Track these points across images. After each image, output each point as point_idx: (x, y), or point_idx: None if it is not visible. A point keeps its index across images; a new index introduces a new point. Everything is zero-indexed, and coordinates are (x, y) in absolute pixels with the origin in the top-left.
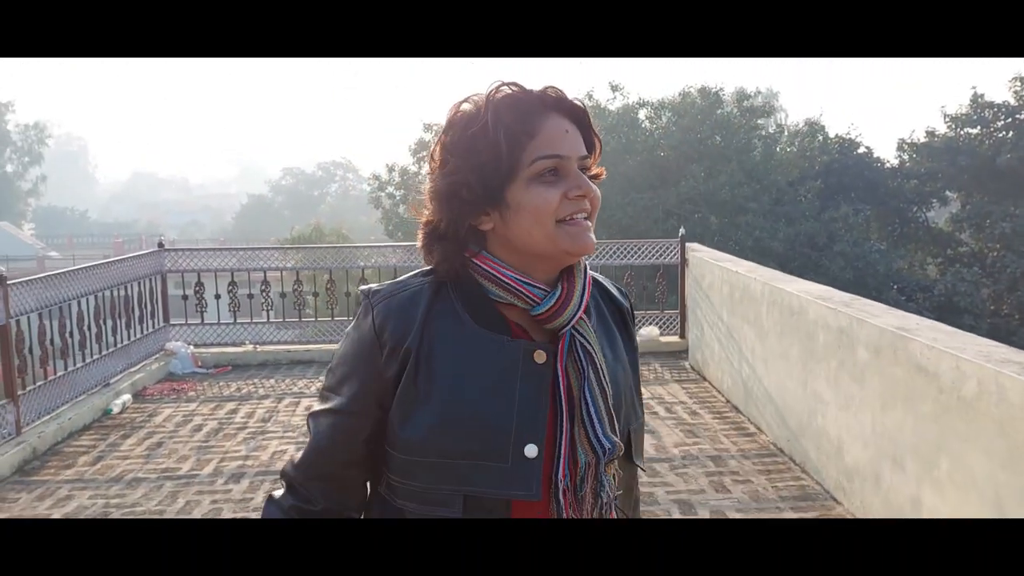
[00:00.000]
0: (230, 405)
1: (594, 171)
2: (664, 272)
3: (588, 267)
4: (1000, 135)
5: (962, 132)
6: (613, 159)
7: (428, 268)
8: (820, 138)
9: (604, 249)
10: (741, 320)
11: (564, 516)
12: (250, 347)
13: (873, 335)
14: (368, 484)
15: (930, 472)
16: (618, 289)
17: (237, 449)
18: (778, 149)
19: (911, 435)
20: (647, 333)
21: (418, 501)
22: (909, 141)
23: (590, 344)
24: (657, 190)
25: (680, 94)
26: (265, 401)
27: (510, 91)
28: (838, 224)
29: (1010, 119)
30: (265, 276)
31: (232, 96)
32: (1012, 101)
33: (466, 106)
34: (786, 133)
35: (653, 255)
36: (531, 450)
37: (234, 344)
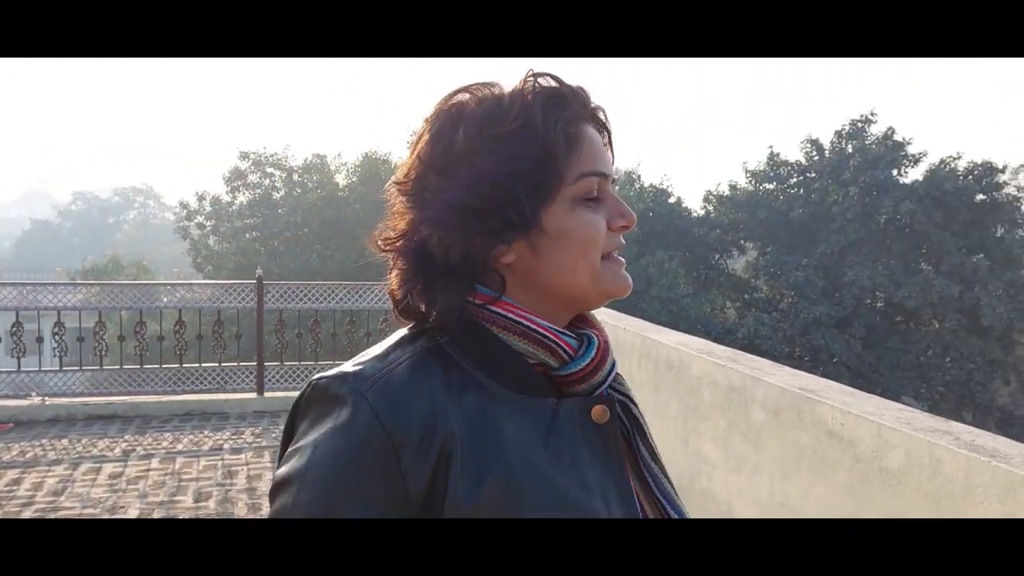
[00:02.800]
0: (11, 473)
1: None
2: None
3: None
4: (793, 191)
5: (761, 187)
6: None
7: (408, 332)
8: (637, 187)
9: None
10: None
11: None
12: (37, 399)
13: (772, 395)
14: None
15: None
16: None
17: None
18: None
19: (819, 504)
20: None
21: None
22: (715, 193)
23: (635, 405)
24: None
25: None
26: (57, 468)
27: (554, 85)
28: (653, 269)
29: (802, 177)
30: (59, 316)
31: (14, 110)
32: (803, 160)
33: (485, 92)
34: None
35: None
36: None
37: (16, 396)
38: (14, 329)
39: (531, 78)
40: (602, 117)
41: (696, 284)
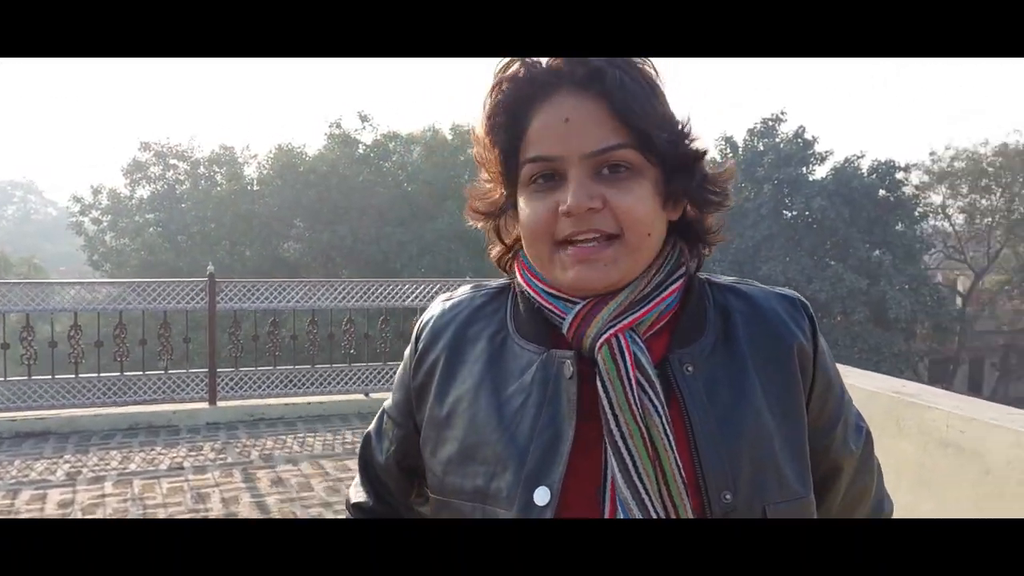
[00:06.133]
0: None
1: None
2: None
3: (690, 272)
4: None
5: None
6: (364, 191)
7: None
8: None
9: (420, 291)
10: None
11: None
12: None
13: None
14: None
15: None
16: (793, 316)
17: None
18: None
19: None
20: None
21: None
22: None
23: (620, 369)
24: (408, 225)
25: (429, 130)
26: None
27: (512, 71)
28: None
29: None
30: None
31: None
32: (718, 158)
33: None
34: None
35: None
36: (541, 495)
37: None
38: None
39: (500, 69)
40: (584, 79)
41: None
